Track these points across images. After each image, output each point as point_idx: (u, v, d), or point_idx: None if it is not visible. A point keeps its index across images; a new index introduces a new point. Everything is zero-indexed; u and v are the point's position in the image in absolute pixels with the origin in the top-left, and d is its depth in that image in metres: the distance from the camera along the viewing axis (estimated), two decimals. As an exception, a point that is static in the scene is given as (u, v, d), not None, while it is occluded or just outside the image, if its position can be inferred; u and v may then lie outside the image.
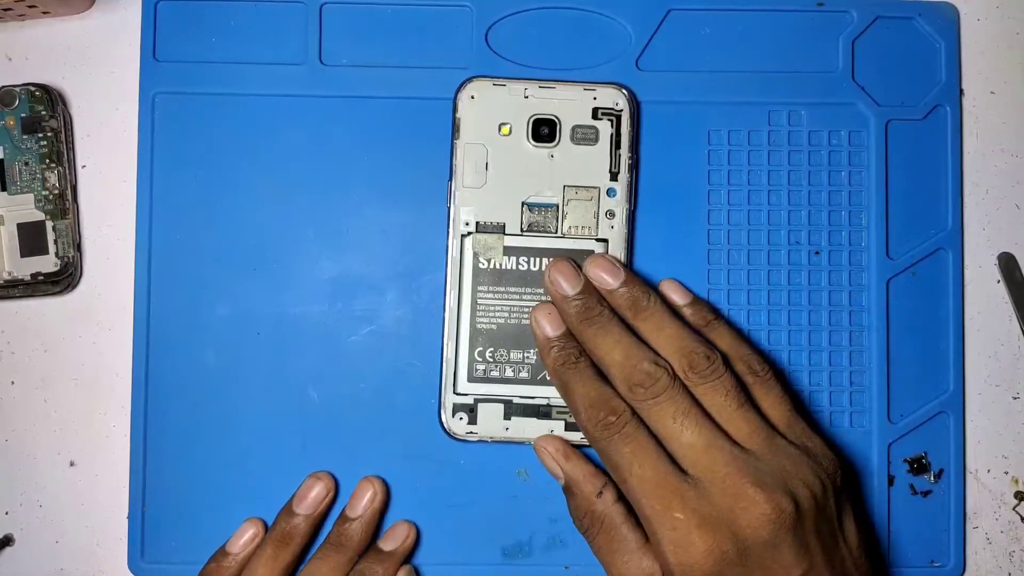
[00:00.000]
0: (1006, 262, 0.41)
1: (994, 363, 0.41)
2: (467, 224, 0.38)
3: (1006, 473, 0.41)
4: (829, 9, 0.40)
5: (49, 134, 0.39)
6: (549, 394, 0.38)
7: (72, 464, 0.40)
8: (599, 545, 0.35)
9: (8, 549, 0.40)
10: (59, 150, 0.39)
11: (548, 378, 0.37)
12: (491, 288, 0.38)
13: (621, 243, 0.38)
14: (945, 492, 0.40)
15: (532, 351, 0.38)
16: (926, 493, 0.40)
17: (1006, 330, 0.41)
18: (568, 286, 0.36)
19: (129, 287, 0.39)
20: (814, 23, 0.40)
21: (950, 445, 0.40)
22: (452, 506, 0.39)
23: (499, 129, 0.38)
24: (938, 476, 0.40)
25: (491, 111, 0.38)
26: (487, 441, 0.38)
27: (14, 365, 0.40)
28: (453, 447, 0.39)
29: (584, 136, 0.38)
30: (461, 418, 0.38)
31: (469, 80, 0.38)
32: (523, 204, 0.38)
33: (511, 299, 0.38)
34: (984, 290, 0.41)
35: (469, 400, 0.38)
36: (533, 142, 0.38)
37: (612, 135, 0.38)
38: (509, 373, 0.38)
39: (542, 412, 0.38)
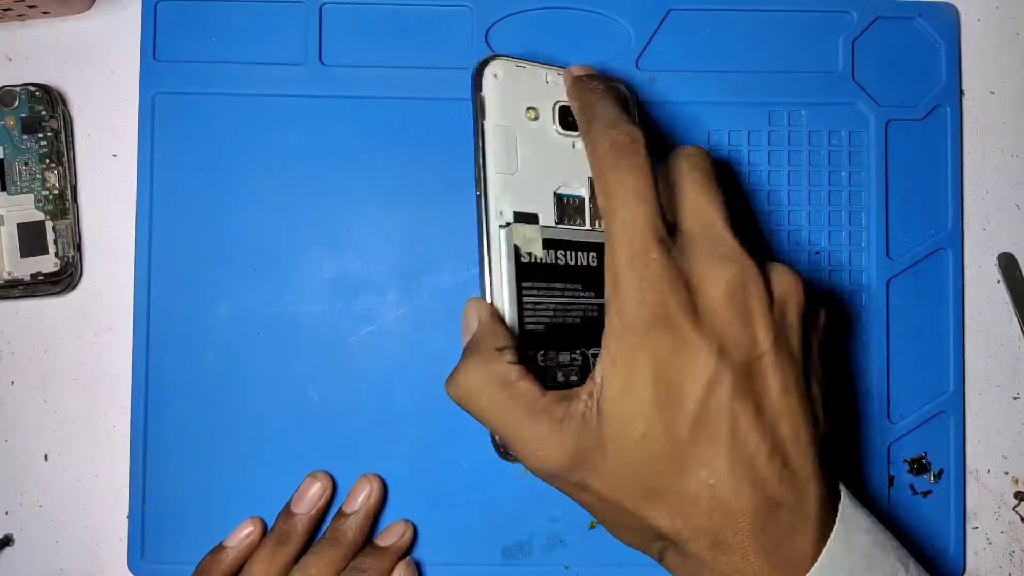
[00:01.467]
0: (1006, 262, 0.41)
1: (994, 363, 0.41)
2: (502, 214, 0.34)
3: (1006, 473, 0.41)
4: (829, 9, 0.40)
5: (49, 134, 0.39)
6: None
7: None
8: (505, 413, 0.31)
9: (8, 549, 0.40)
10: (59, 150, 0.39)
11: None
12: (535, 284, 0.34)
13: None
14: (945, 492, 0.40)
15: (578, 352, 0.35)
16: (926, 493, 0.40)
17: (1006, 330, 0.41)
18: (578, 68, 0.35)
19: (129, 287, 0.39)
20: (814, 23, 0.40)
21: (950, 445, 0.40)
22: (452, 506, 0.39)
23: (526, 113, 0.35)
24: (938, 476, 0.40)
25: (517, 93, 0.35)
26: None
27: (14, 365, 0.40)
28: (453, 447, 0.39)
29: None
30: None
31: (491, 58, 0.35)
32: (555, 194, 0.35)
33: (554, 295, 0.35)
34: (984, 290, 0.41)
35: None
36: (560, 129, 0.35)
37: None
38: (561, 378, 0.34)
39: None
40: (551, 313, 0.34)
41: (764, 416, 0.29)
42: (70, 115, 0.40)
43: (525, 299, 0.34)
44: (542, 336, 0.34)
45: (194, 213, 0.39)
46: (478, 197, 0.34)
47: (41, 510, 0.40)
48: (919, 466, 0.40)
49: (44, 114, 0.39)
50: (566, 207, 0.35)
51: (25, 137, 0.39)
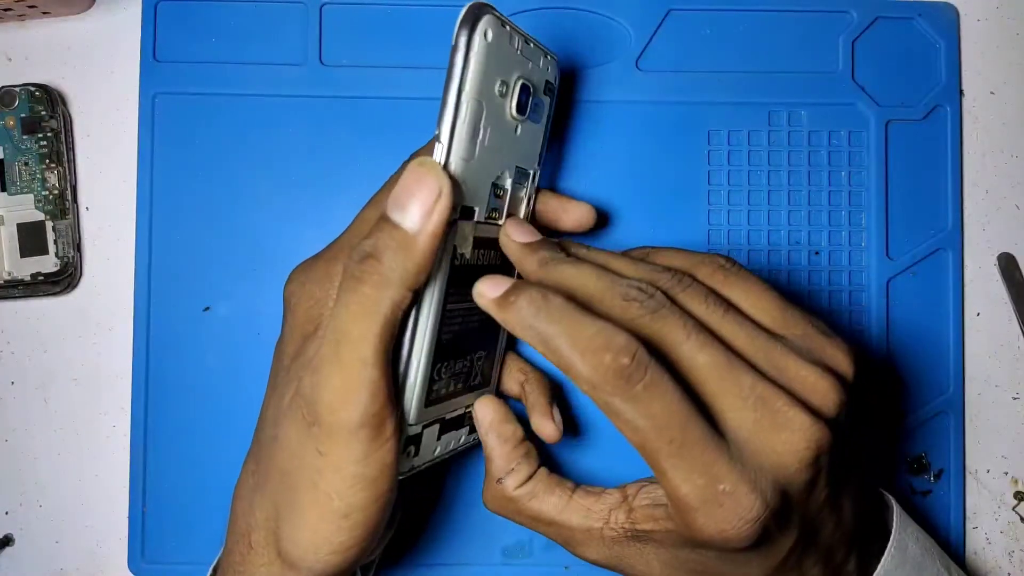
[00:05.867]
0: (1006, 262, 0.41)
1: (994, 363, 0.41)
2: (457, 209, 0.29)
3: (1006, 473, 0.41)
4: (829, 9, 0.40)
5: (49, 134, 0.39)
6: (470, 401, 0.33)
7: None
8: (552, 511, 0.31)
9: (8, 549, 0.40)
10: (59, 150, 0.39)
11: (473, 383, 0.32)
12: (458, 289, 0.30)
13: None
14: (945, 492, 0.40)
15: (471, 356, 0.32)
16: (926, 493, 0.40)
17: (1006, 330, 0.41)
18: (524, 235, 0.31)
19: (129, 287, 0.39)
20: (814, 23, 0.40)
21: (950, 445, 0.40)
22: (452, 506, 0.39)
23: (498, 88, 0.29)
24: (938, 476, 0.40)
25: (495, 63, 0.29)
26: (421, 468, 0.31)
27: (14, 365, 0.40)
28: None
29: (536, 110, 0.31)
30: (408, 453, 0.30)
31: (483, 9, 0.28)
32: (492, 185, 0.30)
33: (467, 300, 0.30)
34: (984, 290, 0.41)
35: (418, 429, 0.30)
36: (515, 113, 0.30)
37: (549, 114, 0.32)
38: (452, 387, 0.31)
39: (460, 421, 0.33)
40: (460, 320, 0.30)
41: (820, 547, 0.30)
42: (70, 115, 0.40)
43: (448, 307, 0.30)
44: (449, 347, 0.30)
45: (194, 213, 0.39)
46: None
47: (41, 510, 0.40)
48: (919, 466, 0.40)
49: (44, 114, 0.39)
50: (496, 200, 0.31)
51: (25, 137, 0.39)
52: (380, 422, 0.27)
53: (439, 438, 0.32)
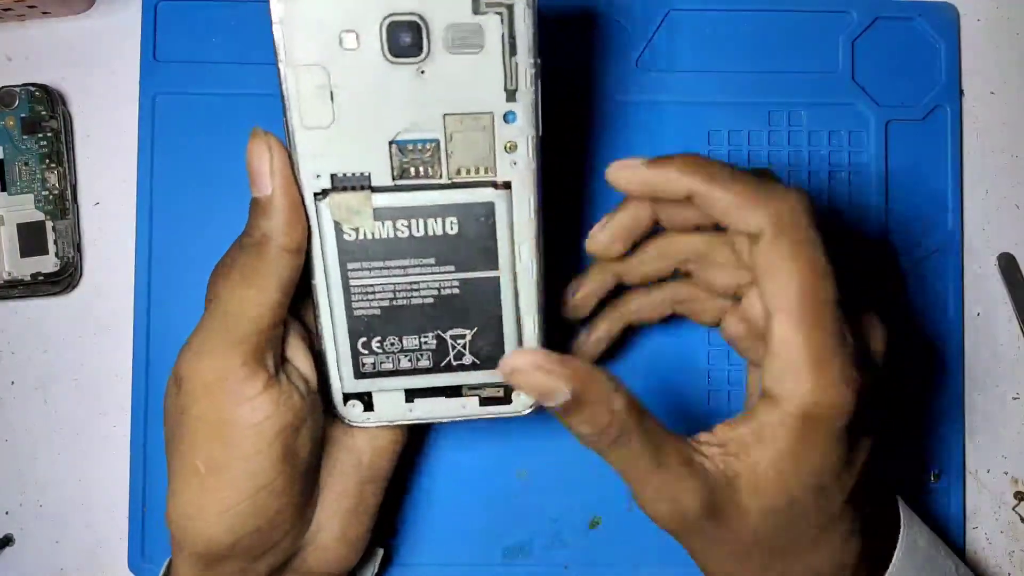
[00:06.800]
0: (1006, 262, 0.41)
1: (994, 363, 0.41)
2: (319, 177, 0.28)
3: (1006, 473, 0.41)
4: (829, 9, 0.40)
5: (49, 134, 0.39)
6: (459, 381, 0.32)
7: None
8: (628, 456, 0.27)
9: (8, 549, 0.40)
10: (59, 150, 0.39)
11: (455, 363, 0.31)
12: (365, 265, 0.29)
13: (528, 185, 0.29)
14: (945, 492, 0.40)
15: (430, 335, 0.31)
16: (926, 493, 0.40)
17: (1006, 330, 0.41)
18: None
19: (129, 287, 0.39)
20: (814, 23, 0.40)
21: (950, 445, 0.40)
22: (453, 506, 0.39)
23: (340, 41, 0.27)
24: (938, 476, 0.40)
25: (325, 15, 0.27)
26: (388, 425, 0.32)
27: (14, 365, 0.40)
28: (453, 446, 0.39)
29: (464, 40, 0.27)
30: (354, 405, 0.31)
31: None
32: (390, 144, 0.28)
33: (394, 275, 0.29)
34: (984, 290, 0.41)
35: (362, 390, 0.31)
36: (391, 56, 0.27)
37: (504, 36, 0.27)
38: (405, 364, 0.31)
39: (451, 391, 0.32)
40: (391, 295, 0.30)
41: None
42: (70, 115, 0.40)
43: (353, 283, 0.29)
44: (377, 322, 0.30)
45: (194, 213, 0.39)
46: (289, 155, 0.28)
47: (41, 510, 0.40)
48: (919, 466, 0.40)
49: (44, 114, 0.39)
50: (411, 159, 0.28)
51: (25, 137, 0.39)
52: (244, 376, 0.28)
53: (410, 400, 0.31)
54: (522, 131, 0.28)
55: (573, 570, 0.39)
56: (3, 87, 0.39)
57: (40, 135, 0.39)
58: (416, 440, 0.39)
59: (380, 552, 0.36)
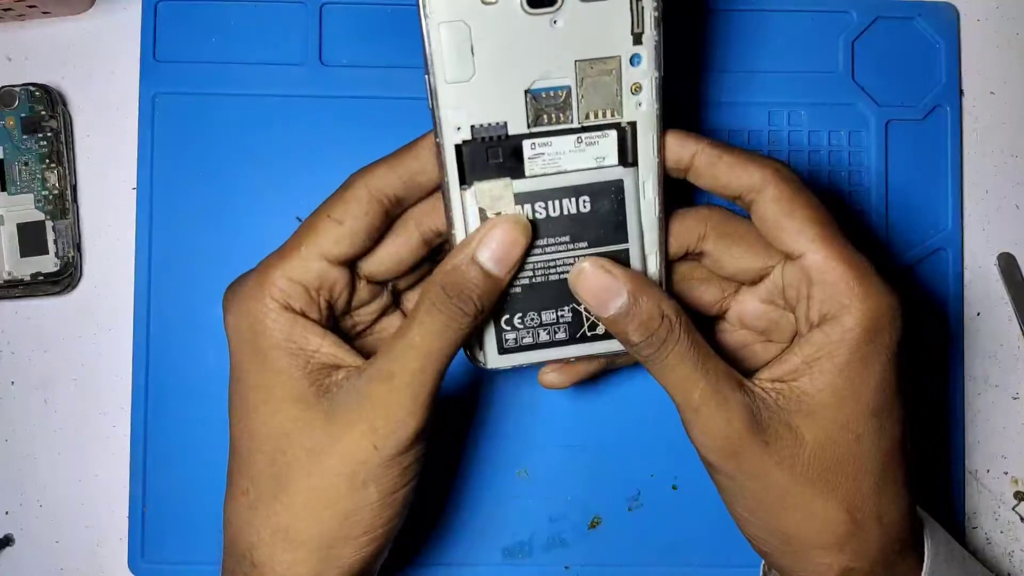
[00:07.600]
0: (1006, 262, 0.41)
1: (994, 363, 0.41)
2: (459, 129, 0.29)
3: (1006, 473, 0.41)
4: (829, 9, 0.40)
5: (49, 134, 0.39)
6: (592, 351, 0.33)
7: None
8: (676, 364, 0.29)
9: (8, 549, 0.40)
10: (59, 150, 0.39)
11: (589, 334, 0.32)
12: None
13: (651, 124, 0.30)
14: (945, 492, 0.40)
15: (566, 308, 0.32)
16: (926, 493, 0.40)
17: (1006, 330, 0.41)
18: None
19: (129, 287, 0.39)
20: (814, 23, 0.40)
21: (950, 445, 0.40)
22: (453, 506, 0.39)
23: None
24: (938, 476, 0.40)
25: None
26: (523, 367, 0.33)
27: (14, 365, 0.40)
28: (453, 445, 0.39)
29: None
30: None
31: None
32: (526, 93, 0.29)
33: (534, 254, 0.31)
34: (984, 290, 0.41)
35: (505, 365, 0.33)
36: (528, 8, 0.28)
37: None
38: (544, 337, 0.32)
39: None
40: (531, 273, 0.31)
41: None
42: (70, 115, 0.40)
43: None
44: (519, 299, 0.31)
45: (194, 213, 0.39)
46: (431, 110, 0.29)
47: (41, 510, 0.40)
48: (920, 466, 0.40)
49: (44, 114, 0.39)
50: (544, 105, 0.30)
51: (25, 137, 0.39)
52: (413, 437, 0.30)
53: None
54: (646, 73, 0.30)
55: (573, 570, 0.39)
56: (3, 87, 0.39)
57: (40, 135, 0.39)
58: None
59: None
